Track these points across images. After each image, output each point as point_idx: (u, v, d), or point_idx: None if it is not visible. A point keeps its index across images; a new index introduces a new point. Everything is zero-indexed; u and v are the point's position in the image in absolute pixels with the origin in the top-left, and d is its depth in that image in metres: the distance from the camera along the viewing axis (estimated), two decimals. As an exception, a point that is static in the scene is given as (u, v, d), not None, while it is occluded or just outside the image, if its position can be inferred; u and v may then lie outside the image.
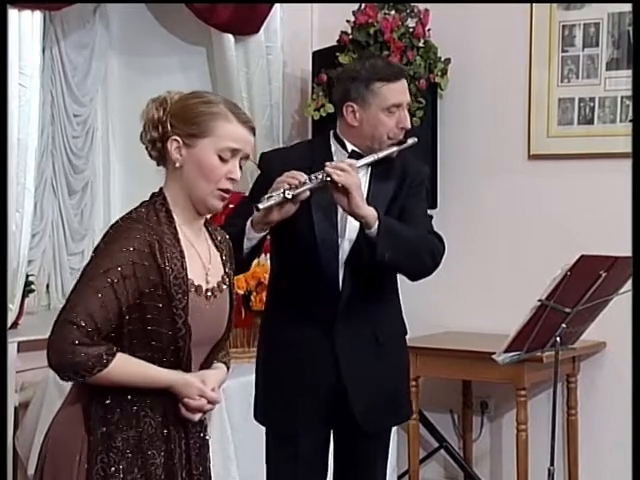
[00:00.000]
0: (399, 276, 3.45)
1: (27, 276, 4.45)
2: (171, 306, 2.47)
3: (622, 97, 4.84)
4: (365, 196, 3.22)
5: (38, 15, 4.26)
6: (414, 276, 3.39)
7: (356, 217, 3.16)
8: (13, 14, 4.11)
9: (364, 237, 3.18)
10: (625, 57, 4.82)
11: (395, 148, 3.31)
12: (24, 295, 4.45)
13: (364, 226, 3.16)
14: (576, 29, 4.94)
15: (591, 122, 4.92)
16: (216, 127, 2.53)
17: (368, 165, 3.31)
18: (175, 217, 2.55)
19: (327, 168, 3.10)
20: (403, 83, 3.32)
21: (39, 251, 5.01)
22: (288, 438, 3.34)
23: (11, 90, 4.11)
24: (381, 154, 3.28)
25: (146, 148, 2.61)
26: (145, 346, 2.48)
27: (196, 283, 2.53)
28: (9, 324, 4.24)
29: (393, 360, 3.41)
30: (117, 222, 2.54)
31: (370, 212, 3.15)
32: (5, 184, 4.08)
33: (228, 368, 2.74)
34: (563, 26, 4.97)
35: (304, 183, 3.05)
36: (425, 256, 3.29)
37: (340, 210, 3.24)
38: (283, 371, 3.35)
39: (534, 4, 4.99)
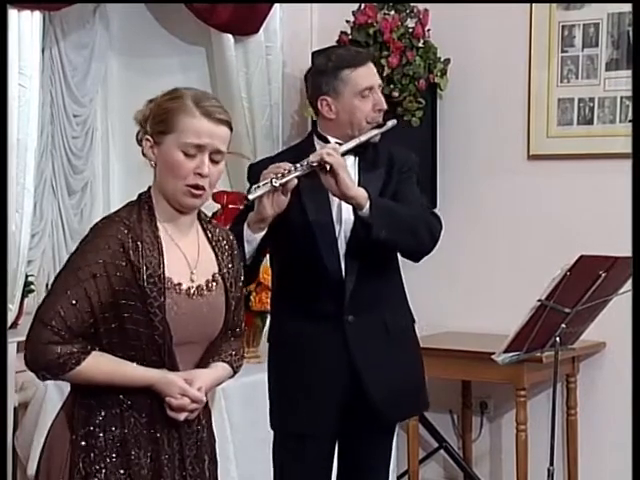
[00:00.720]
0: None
1: (27, 276, 4.45)
2: (146, 304, 2.45)
3: (622, 97, 4.83)
4: None
5: (38, 15, 4.26)
6: (414, 254, 3.38)
7: (347, 199, 3.16)
8: (13, 14, 4.11)
9: (358, 219, 3.18)
10: (625, 57, 4.82)
11: (376, 131, 3.32)
12: (24, 295, 4.45)
13: (356, 208, 3.16)
14: (576, 29, 4.94)
15: (591, 122, 4.92)
16: (178, 122, 2.51)
17: (355, 154, 3.32)
18: (157, 215, 2.54)
19: (311, 157, 3.11)
20: (370, 66, 3.35)
21: (39, 251, 5.01)
22: (299, 440, 3.34)
23: (11, 90, 4.11)
24: (363, 137, 3.29)
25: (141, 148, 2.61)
26: (124, 345, 2.48)
27: (175, 281, 2.51)
28: (9, 324, 4.24)
29: (406, 349, 3.42)
30: (97, 223, 2.56)
31: (360, 192, 3.15)
32: (5, 184, 4.08)
33: (234, 368, 2.71)
34: (563, 26, 4.96)
35: (290, 171, 3.06)
36: (422, 231, 3.28)
37: (334, 201, 3.24)
38: (295, 371, 3.34)
39: (534, 4, 4.99)
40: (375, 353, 3.30)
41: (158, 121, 2.53)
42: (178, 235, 2.56)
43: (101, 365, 2.46)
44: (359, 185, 3.25)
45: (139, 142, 2.60)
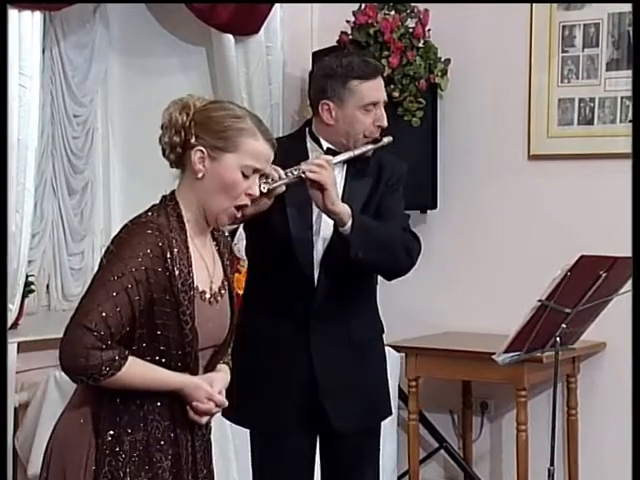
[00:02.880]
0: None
1: (27, 276, 4.45)
2: (179, 312, 2.49)
3: (622, 97, 4.83)
4: (341, 194, 3.21)
5: (38, 15, 4.26)
6: (389, 275, 3.39)
7: (330, 214, 3.13)
8: (13, 14, 4.11)
9: (337, 235, 3.16)
10: (625, 57, 4.82)
11: (371, 146, 3.29)
12: (24, 295, 4.44)
13: (337, 223, 3.14)
14: (576, 29, 4.94)
15: (591, 122, 4.92)
16: (243, 143, 2.54)
17: (344, 163, 3.29)
18: (186, 223, 2.55)
19: (302, 166, 3.08)
20: (379, 81, 3.30)
21: (39, 251, 5.01)
22: (270, 438, 3.34)
23: (11, 90, 4.11)
24: (357, 151, 3.26)
25: (163, 150, 2.60)
26: (154, 350, 2.49)
27: (201, 289, 2.55)
28: (9, 324, 4.24)
29: (368, 361, 3.39)
30: (127, 225, 2.53)
31: (344, 209, 3.13)
32: (5, 184, 4.08)
33: (230, 368, 2.75)
34: (563, 26, 4.96)
35: (280, 178, 3.01)
36: (400, 254, 3.26)
37: (315, 208, 3.22)
38: (260, 371, 3.33)
39: (534, 4, 4.99)
40: (336, 361, 3.29)
41: (218, 137, 2.54)
42: (201, 244, 2.60)
43: (138, 371, 2.47)
44: (344, 193, 3.24)
45: (161, 143, 2.59)
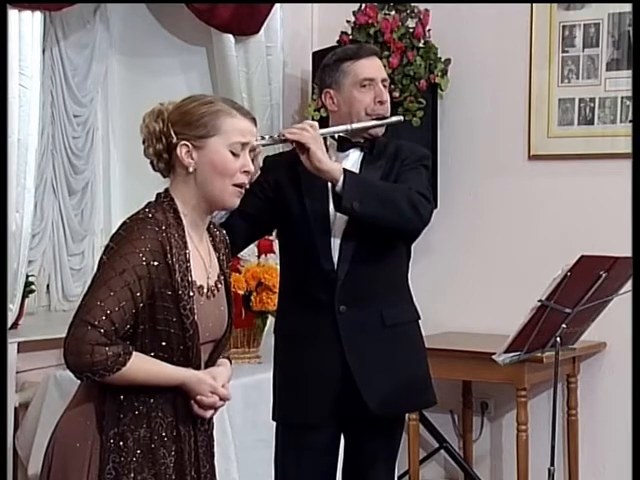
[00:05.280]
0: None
1: (27, 276, 4.45)
2: (179, 306, 2.50)
3: (622, 97, 4.84)
4: None
5: (38, 15, 4.25)
6: (401, 232, 3.30)
7: (320, 173, 3.13)
8: (13, 14, 4.10)
9: (334, 195, 3.16)
10: (625, 57, 4.82)
11: (374, 122, 3.30)
12: (24, 295, 4.44)
13: (332, 182, 3.14)
14: (576, 29, 4.94)
15: (591, 122, 4.92)
16: (222, 124, 2.57)
17: (361, 149, 3.31)
18: (183, 219, 2.57)
19: (282, 129, 3.12)
20: (374, 60, 3.34)
21: (39, 251, 5.01)
22: (297, 431, 3.35)
23: (11, 90, 4.11)
24: (355, 125, 3.27)
25: (151, 162, 2.63)
26: (156, 346, 2.51)
27: (198, 284, 2.57)
28: (9, 324, 4.23)
29: (405, 344, 3.38)
30: (126, 223, 2.55)
31: (334, 166, 3.14)
32: (5, 184, 4.08)
33: (230, 362, 2.76)
34: (563, 26, 4.97)
35: (256, 139, 3.00)
36: (402, 204, 3.19)
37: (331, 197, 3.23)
38: (293, 362, 3.36)
39: (534, 4, 5.00)
40: (367, 346, 3.28)
41: (198, 126, 2.56)
42: (197, 238, 2.62)
43: (142, 366, 2.48)
44: None
45: (147, 156, 2.61)
